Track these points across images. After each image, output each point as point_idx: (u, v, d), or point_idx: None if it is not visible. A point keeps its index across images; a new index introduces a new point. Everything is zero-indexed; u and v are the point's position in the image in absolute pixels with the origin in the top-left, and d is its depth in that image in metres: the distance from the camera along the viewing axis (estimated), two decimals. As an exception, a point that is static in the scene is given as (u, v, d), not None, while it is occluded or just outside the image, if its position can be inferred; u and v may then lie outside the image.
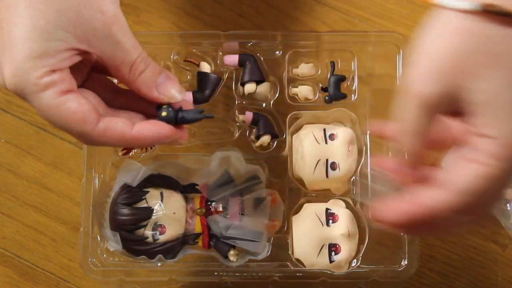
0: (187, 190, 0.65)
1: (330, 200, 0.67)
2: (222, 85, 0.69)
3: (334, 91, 0.68)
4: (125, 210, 0.63)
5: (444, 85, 0.44)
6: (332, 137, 0.65)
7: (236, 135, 0.68)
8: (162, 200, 0.63)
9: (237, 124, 0.68)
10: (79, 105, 0.47)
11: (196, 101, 0.68)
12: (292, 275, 0.64)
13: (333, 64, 0.68)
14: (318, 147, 0.65)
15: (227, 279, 0.65)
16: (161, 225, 0.63)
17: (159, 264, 0.64)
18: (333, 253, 0.64)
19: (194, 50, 0.69)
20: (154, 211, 0.63)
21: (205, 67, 0.68)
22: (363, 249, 0.65)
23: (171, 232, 0.63)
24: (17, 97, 0.48)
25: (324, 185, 0.66)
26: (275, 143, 0.68)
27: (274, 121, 0.68)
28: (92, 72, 0.52)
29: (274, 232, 0.65)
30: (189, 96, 0.67)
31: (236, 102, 0.68)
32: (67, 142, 0.73)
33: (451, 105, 0.44)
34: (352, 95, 0.68)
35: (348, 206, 0.66)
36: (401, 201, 0.46)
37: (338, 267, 0.64)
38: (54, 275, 0.72)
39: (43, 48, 0.46)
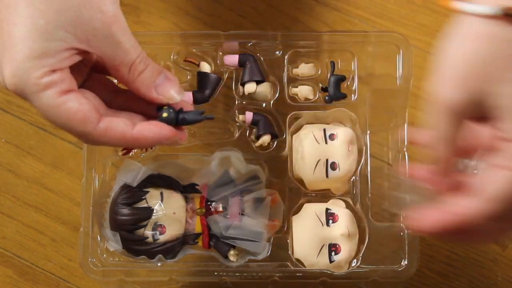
0: (187, 190, 0.65)
1: (330, 200, 0.67)
2: (222, 85, 0.69)
3: (334, 91, 0.68)
4: (125, 210, 0.63)
5: (469, 91, 0.44)
6: (332, 137, 0.65)
7: (236, 135, 0.68)
8: (162, 200, 0.63)
9: (237, 124, 0.68)
10: (80, 105, 0.47)
11: (196, 101, 0.68)
12: (292, 275, 0.64)
13: (333, 64, 0.68)
14: (318, 147, 0.65)
15: (227, 279, 0.65)
16: (161, 225, 0.63)
17: (159, 264, 0.64)
18: (333, 253, 0.64)
19: (194, 50, 0.69)
20: (154, 211, 0.63)
21: (205, 67, 0.68)
22: (363, 249, 0.65)
23: (171, 232, 0.63)
24: (17, 97, 0.48)
25: (324, 185, 0.66)
26: (275, 143, 0.68)
27: (274, 121, 0.68)
28: (92, 72, 0.52)
29: (274, 232, 0.65)
30: (189, 96, 0.67)
31: (236, 102, 0.68)
32: (67, 142, 0.73)
33: (478, 111, 0.45)
34: (352, 95, 0.68)
35: (348, 206, 0.66)
36: (436, 210, 0.47)
37: (338, 267, 0.64)
38: (54, 275, 0.72)
39: (43, 48, 0.46)
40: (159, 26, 0.75)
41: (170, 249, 0.63)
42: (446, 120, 0.45)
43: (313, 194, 0.67)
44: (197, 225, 0.64)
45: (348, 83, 0.68)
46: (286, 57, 0.68)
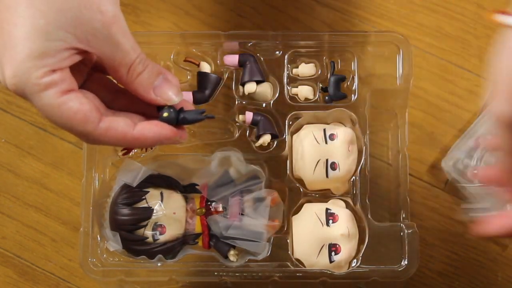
0: (187, 190, 0.65)
1: (330, 200, 0.67)
2: (222, 85, 0.69)
3: (334, 91, 0.68)
4: (125, 210, 0.63)
5: None
6: (332, 137, 0.65)
7: (236, 135, 0.68)
8: (162, 200, 0.63)
9: (237, 124, 0.68)
10: (80, 105, 0.47)
11: (196, 101, 0.68)
12: (292, 275, 0.64)
13: (333, 64, 0.68)
14: (318, 147, 0.65)
15: (227, 279, 0.65)
16: (161, 225, 0.63)
17: (159, 264, 0.64)
18: (333, 253, 0.64)
19: (194, 50, 0.69)
20: (154, 211, 0.63)
21: (205, 67, 0.68)
22: (363, 249, 0.65)
23: (171, 232, 0.63)
24: (17, 97, 0.48)
25: (324, 185, 0.66)
26: (275, 143, 0.68)
27: (274, 121, 0.68)
28: (93, 72, 0.52)
29: (274, 232, 0.65)
30: (189, 96, 0.67)
31: (236, 102, 0.68)
32: (67, 142, 0.73)
33: None
34: (352, 95, 0.68)
35: (348, 206, 0.66)
36: (502, 215, 0.50)
37: (338, 267, 0.64)
38: (54, 275, 0.72)
39: (43, 48, 0.46)
40: (158, 26, 0.75)
41: (170, 249, 0.63)
42: (507, 134, 0.47)
43: (313, 194, 0.67)
44: (197, 225, 0.64)
45: (348, 83, 0.68)
46: (286, 57, 0.68)
